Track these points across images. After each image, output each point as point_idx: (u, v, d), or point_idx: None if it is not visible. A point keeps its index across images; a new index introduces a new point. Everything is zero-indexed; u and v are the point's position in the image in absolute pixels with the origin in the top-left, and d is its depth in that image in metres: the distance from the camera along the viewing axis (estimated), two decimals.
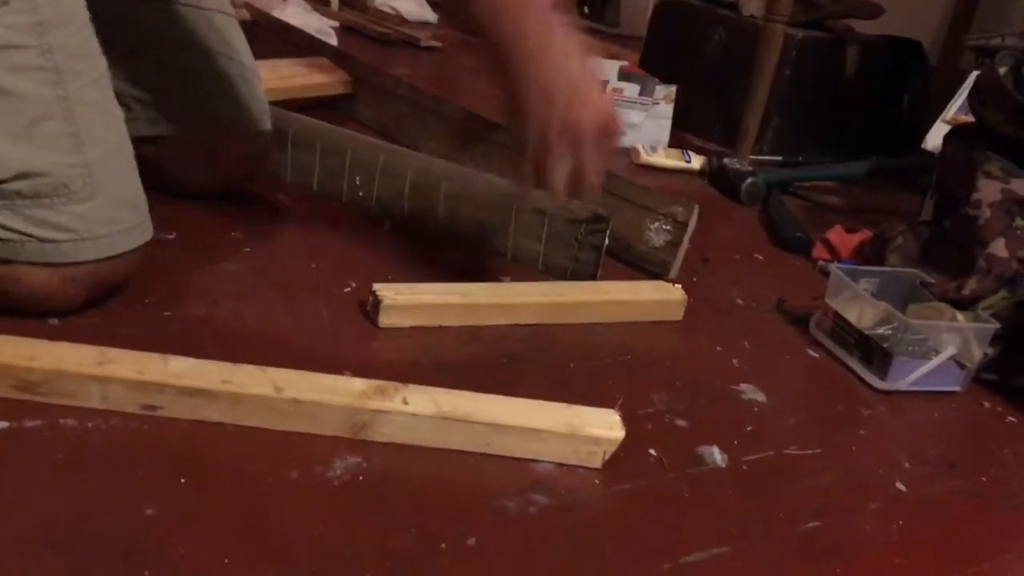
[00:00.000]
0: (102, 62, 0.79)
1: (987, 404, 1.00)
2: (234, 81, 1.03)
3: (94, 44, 0.78)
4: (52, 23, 0.73)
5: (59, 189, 0.73)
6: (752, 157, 1.69)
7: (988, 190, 1.08)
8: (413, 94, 1.49)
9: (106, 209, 0.77)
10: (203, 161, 1.06)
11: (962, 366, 0.99)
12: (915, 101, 1.89)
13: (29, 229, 0.73)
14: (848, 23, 1.87)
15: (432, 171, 1.14)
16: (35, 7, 0.72)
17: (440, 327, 0.93)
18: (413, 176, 1.14)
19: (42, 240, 0.74)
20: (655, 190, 1.20)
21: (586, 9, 3.00)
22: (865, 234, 1.30)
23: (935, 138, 1.54)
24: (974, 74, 1.37)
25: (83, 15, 0.77)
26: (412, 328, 0.92)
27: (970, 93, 1.22)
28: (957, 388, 1.00)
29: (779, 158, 1.76)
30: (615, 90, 1.67)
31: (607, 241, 1.08)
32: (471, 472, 0.72)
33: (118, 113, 0.81)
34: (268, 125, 1.08)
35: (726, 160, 1.59)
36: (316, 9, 2.34)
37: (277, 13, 1.97)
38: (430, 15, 2.63)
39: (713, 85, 1.80)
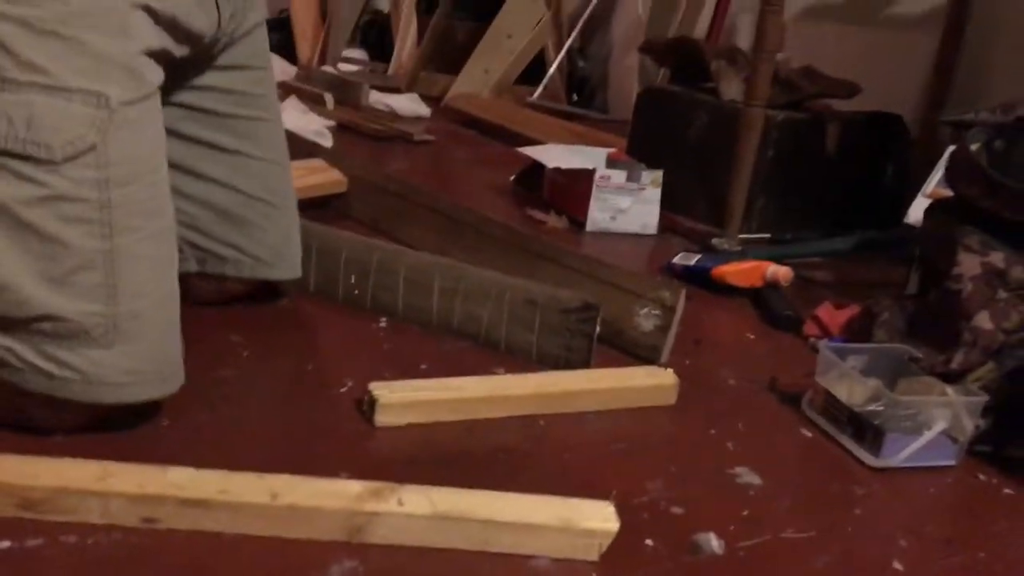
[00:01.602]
0: (167, 216, 0.80)
1: (982, 477, 1.01)
2: (272, 228, 1.07)
3: (161, 199, 0.79)
4: (119, 180, 0.73)
5: (79, 334, 0.75)
6: (741, 236, 1.72)
7: (968, 264, 1.11)
8: (404, 189, 1.53)
9: (125, 359, 0.77)
10: (216, 288, 1.09)
11: (954, 440, 1.00)
12: (898, 173, 1.93)
13: (42, 364, 0.75)
14: (826, 102, 1.92)
15: (425, 267, 1.17)
16: (106, 164, 0.72)
17: (436, 422, 0.95)
18: (407, 272, 1.17)
19: (51, 376, 0.75)
20: (642, 275, 1.22)
21: (575, 96, 3.08)
22: (853, 310, 1.32)
23: (917, 212, 1.57)
24: (951, 148, 1.41)
25: (157, 170, 0.78)
26: (408, 425, 0.93)
27: (946, 169, 1.25)
28: (951, 462, 1.01)
29: (767, 235, 1.79)
30: (603, 177, 1.71)
31: (598, 329, 1.10)
32: (469, 572, 0.73)
33: (171, 266, 0.81)
34: (299, 272, 1.12)
35: (714, 240, 1.62)
36: (312, 109, 2.41)
37: None
38: (423, 109, 2.71)
39: (698, 167, 1.84)
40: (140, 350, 0.77)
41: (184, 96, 0.96)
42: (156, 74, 0.79)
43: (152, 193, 0.77)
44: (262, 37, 1.02)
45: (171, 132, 0.91)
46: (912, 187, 1.77)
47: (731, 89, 1.81)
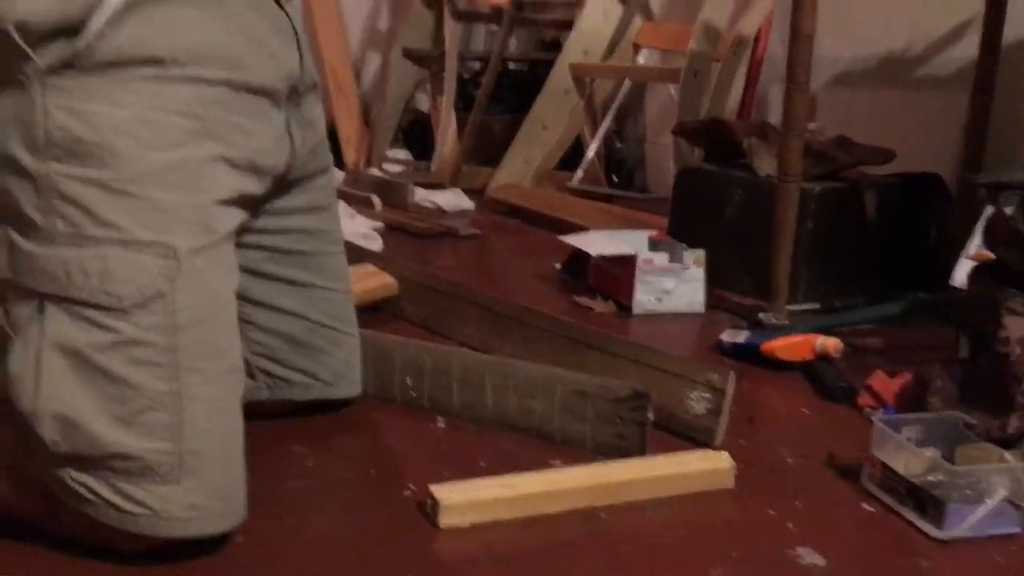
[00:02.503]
0: (232, 355, 0.84)
1: None
2: (338, 351, 1.13)
3: (227, 340, 0.83)
4: (184, 325, 0.78)
5: (147, 471, 0.79)
6: (788, 308, 1.73)
7: (1014, 327, 1.11)
8: (452, 288, 1.58)
9: (191, 495, 0.80)
10: (280, 406, 1.14)
11: (1017, 506, 0.99)
12: (940, 233, 1.93)
13: (113, 498, 0.79)
14: (862, 169, 1.94)
15: (476, 366, 1.21)
16: (173, 310, 0.77)
17: (497, 521, 0.97)
18: (459, 372, 1.21)
19: (121, 511, 0.80)
20: (690, 358, 1.24)
21: (614, 178, 3.14)
22: (906, 377, 1.32)
23: (961, 274, 1.57)
24: (989, 209, 1.42)
25: (223, 314, 0.82)
26: (471, 525, 0.96)
27: (983, 232, 1.26)
28: (1016, 529, 1.00)
29: (815, 306, 1.80)
30: (646, 260, 1.75)
31: (651, 416, 1.12)
32: None
33: (234, 403, 0.84)
34: (359, 389, 1.18)
35: (761, 315, 1.64)
36: (360, 212, 2.49)
37: None
38: (467, 203, 2.78)
39: (740, 243, 1.87)
40: (204, 486, 0.81)
41: (262, 239, 1.02)
42: (229, 221, 0.85)
43: (217, 335, 0.82)
44: (330, 178, 1.09)
45: (249, 271, 0.98)
46: (956, 246, 1.77)
47: (765, 165, 1.85)
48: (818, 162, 1.84)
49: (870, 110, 2.45)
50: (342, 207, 2.43)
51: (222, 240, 0.85)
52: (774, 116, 2.57)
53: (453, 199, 2.77)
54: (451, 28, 3.28)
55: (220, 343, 0.84)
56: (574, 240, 1.90)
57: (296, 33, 0.96)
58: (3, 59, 0.76)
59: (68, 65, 0.76)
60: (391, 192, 2.75)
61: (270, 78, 0.92)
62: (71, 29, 0.76)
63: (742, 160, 1.92)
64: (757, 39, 2.50)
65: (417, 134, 3.52)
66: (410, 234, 2.41)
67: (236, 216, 0.89)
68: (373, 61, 3.62)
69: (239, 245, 0.93)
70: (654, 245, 1.80)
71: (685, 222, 1.97)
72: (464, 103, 3.30)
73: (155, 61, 0.79)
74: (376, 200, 2.64)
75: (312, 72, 1.01)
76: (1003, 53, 1.98)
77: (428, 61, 3.41)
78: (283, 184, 1.03)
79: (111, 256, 0.76)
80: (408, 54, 3.37)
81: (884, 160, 1.90)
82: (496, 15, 3.26)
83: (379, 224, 2.43)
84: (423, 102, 3.59)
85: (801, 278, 1.78)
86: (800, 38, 1.53)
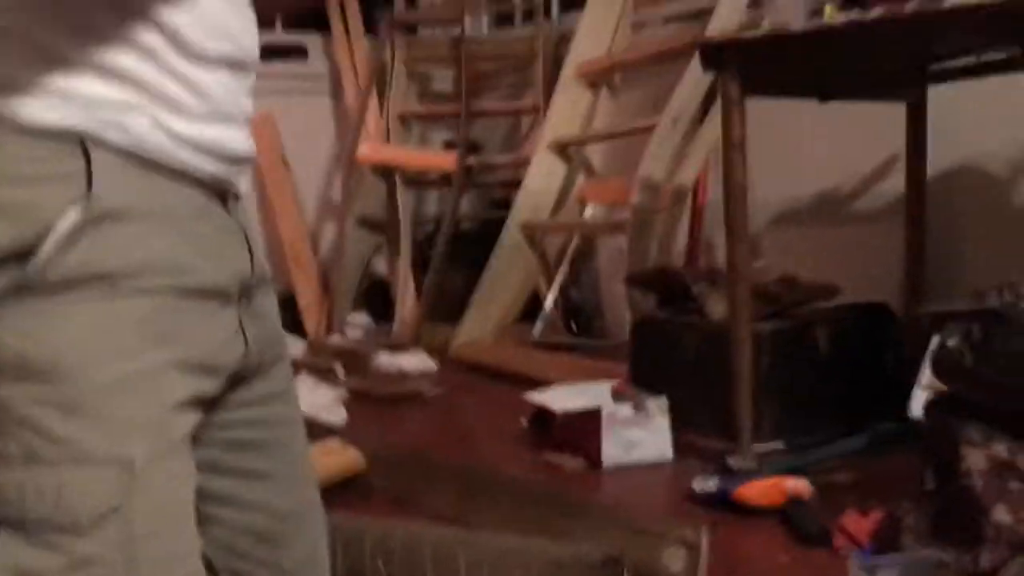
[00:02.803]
0: (193, 560, 0.82)
1: None
2: (304, 538, 1.10)
3: (187, 544, 0.82)
4: (142, 536, 0.76)
5: None
6: (756, 448, 1.74)
7: (974, 458, 1.13)
8: (420, 460, 1.58)
9: None
10: None
11: None
12: (896, 359, 1.97)
13: None
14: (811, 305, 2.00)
15: (449, 543, 1.19)
16: (131, 523, 0.75)
17: None
18: (431, 551, 1.19)
19: None
20: (662, 516, 1.24)
21: (574, 326, 3.19)
22: (878, 515, 1.33)
23: (918, 405, 1.60)
24: (935, 339, 1.46)
25: (182, 517, 0.81)
26: None
27: (932, 366, 1.30)
28: None
29: (781, 443, 1.81)
30: (610, 414, 1.76)
31: None
32: None
33: None
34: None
35: (730, 460, 1.64)
36: (323, 381, 2.49)
37: None
38: (430, 364, 2.80)
39: (702, 386, 1.89)
40: None
41: (219, 434, 1.01)
42: (184, 424, 0.84)
43: (176, 542, 0.81)
44: (286, 365, 1.09)
45: (208, 467, 0.97)
46: (910, 373, 1.81)
47: (717, 309, 1.89)
48: (767, 302, 1.89)
49: (812, 245, 2.54)
50: (304, 379, 2.44)
51: (178, 445, 0.84)
52: (722, 257, 2.66)
53: (416, 361, 2.79)
54: (403, 195, 3.38)
55: (180, 549, 0.82)
56: (539, 398, 1.91)
57: (244, 233, 0.98)
58: None
59: (17, 290, 0.77)
60: (353, 359, 2.76)
61: (220, 279, 0.93)
62: (20, 255, 0.78)
63: (694, 305, 1.97)
64: (696, 187, 2.60)
65: (376, 298, 3.56)
66: (375, 400, 2.41)
67: (191, 418, 0.89)
68: (329, 230, 3.70)
69: (196, 443, 0.93)
70: (618, 396, 1.81)
71: (645, 370, 2.00)
72: (421, 265, 3.36)
73: (105, 277, 0.80)
74: (339, 369, 2.65)
75: (263, 265, 1.03)
76: (929, 186, 2.09)
77: (383, 227, 3.50)
78: (238, 378, 1.03)
79: (66, 474, 0.75)
80: (363, 221, 3.46)
81: (830, 295, 1.96)
82: (446, 180, 3.38)
83: (343, 392, 2.43)
84: (381, 266, 3.66)
85: (764, 417, 1.80)
86: (733, 192, 1.61)
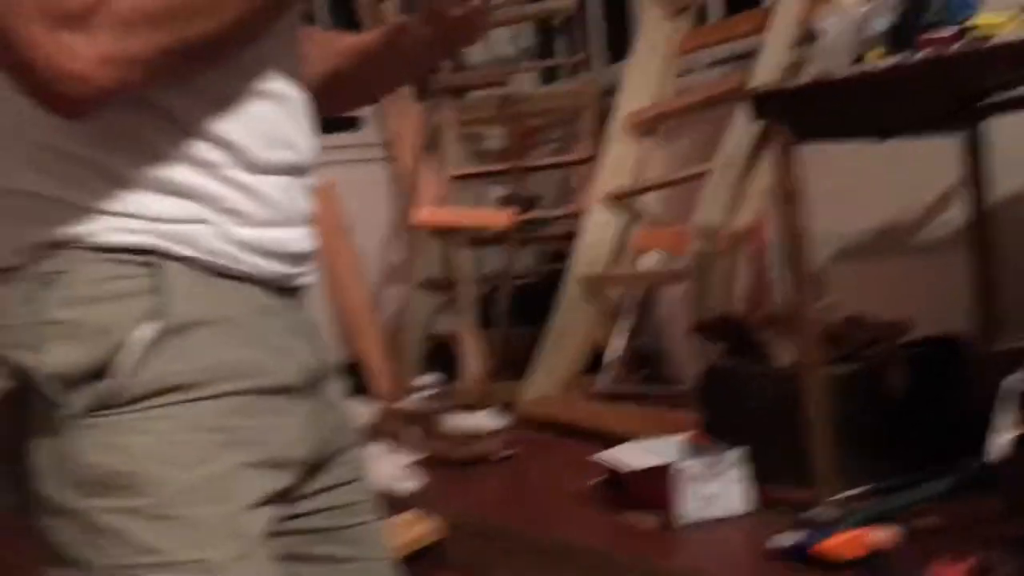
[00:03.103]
0: None
1: None
2: None
3: None
4: None
5: None
6: (835, 497, 1.71)
7: None
8: (495, 526, 1.58)
9: None
10: None
11: None
12: (971, 395, 1.92)
13: None
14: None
15: None
16: None
17: None
18: None
19: None
20: None
21: (640, 373, 3.17)
22: (969, 563, 1.29)
23: (997, 446, 1.55)
24: (1012, 378, 1.43)
25: None
26: None
27: (1021, 405, 1.26)
28: None
29: (862, 489, 1.77)
30: (684, 469, 1.74)
31: None
32: None
33: None
34: None
35: (810, 513, 1.61)
36: (396, 447, 2.51)
37: None
38: (499, 422, 2.79)
39: (775, 435, 1.86)
40: None
41: (296, 524, 1.03)
42: (261, 522, 0.86)
43: None
44: (357, 451, 1.11)
45: (288, 557, 0.98)
46: (985, 409, 1.75)
47: (785, 355, 1.87)
48: (836, 345, 1.86)
49: (877, 278, 2.49)
50: (376, 446, 2.46)
51: (256, 541, 0.86)
52: (784, 295, 2.62)
53: (485, 420, 2.79)
54: (461, 254, 3.42)
55: None
56: (610, 457, 1.90)
57: (309, 325, 1.00)
58: (37, 409, 0.80)
59: (98, 406, 0.80)
60: (423, 422, 2.78)
61: (289, 376, 0.96)
62: (99, 372, 0.81)
63: (761, 352, 1.94)
64: (756, 228, 2.58)
65: (442, 358, 3.59)
66: (447, 464, 2.42)
67: (268, 515, 0.90)
68: (391, 293, 3.75)
69: (275, 535, 0.94)
70: (691, 450, 1.79)
71: (716, 421, 1.98)
72: (484, 322, 3.39)
73: (180, 388, 0.83)
74: (409, 433, 2.67)
75: (329, 354, 1.05)
76: (1000, 214, 2.04)
77: (444, 287, 3.54)
78: (311, 468, 1.05)
79: None
80: (424, 283, 3.50)
81: (900, 334, 1.92)
82: (503, 236, 3.41)
83: (414, 458, 2.44)
84: (444, 326, 3.69)
85: (842, 464, 1.76)
86: (791, 240, 1.59)
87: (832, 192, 2.48)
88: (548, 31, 3.84)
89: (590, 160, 3.23)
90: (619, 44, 3.42)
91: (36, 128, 0.77)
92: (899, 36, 1.31)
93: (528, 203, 3.51)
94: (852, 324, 1.97)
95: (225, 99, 0.83)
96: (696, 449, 1.80)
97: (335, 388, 1.10)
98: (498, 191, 3.77)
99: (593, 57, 3.54)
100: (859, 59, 1.39)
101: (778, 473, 1.85)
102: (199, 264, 0.84)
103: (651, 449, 1.86)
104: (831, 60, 1.44)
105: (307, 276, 0.96)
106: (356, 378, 3.36)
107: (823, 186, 2.45)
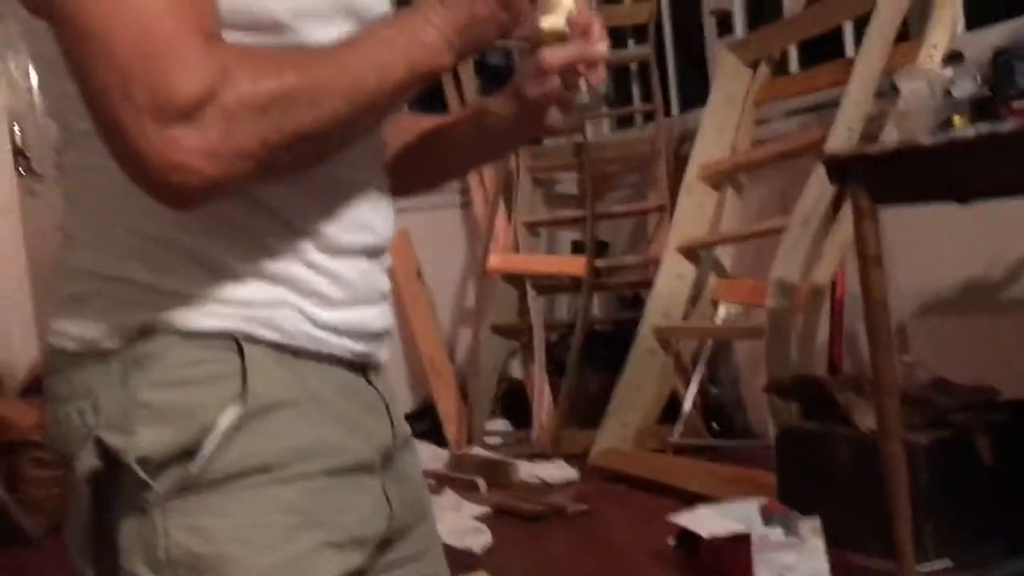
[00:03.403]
0: None
1: None
2: None
3: None
4: None
5: None
6: (920, 568, 1.65)
7: None
8: None
9: None
10: None
11: None
12: None
13: None
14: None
15: None
16: None
17: None
18: None
19: None
20: None
21: (715, 425, 3.11)
22: None
23: None
24: None
25: None
26: None
27: None
28: None
29: (948, 563, 1.70)
30: (761, 539, 1.70)
31: None
32: None
33: None
34: None
35: None
36: (466, 497, 2.51)
37: None
38: (571, 473, 2.78)
39: (855, 501, 1.81)
40: None
41: None
42: None
43: None
44: (430, 522, 1.11)
45: None
46: None
47: (866, 419, 1.82)
48: (920, 411, 1.80)
49: (961, 336, 2.42)
50: (448, 497, 2.46)
51: None
52: (865, 350, 2.55)
53: (557, 472, 2.78)
54: (534, 300, 3.43)
55: None
56: (685, 520, 1.87)
57: (385, 401, 1.01)
58: (125, 490, 0.82)
59: (184, 488, 0.82)
60: (495, 471, 2.77)
61: (366, 453, 0.96)
62: (185, 454, 0.82)
63: (841, 415, 1.90)
64: (835, 283, 2.53)
65: (513, 403, 3.59)
66: (518, 518, 2.41)
67: None
68: (464, 338, 3.77)
69: None
70: (768, 517, 1.75)
71: (794, 485, 1.93)
72: (556, 368, 3.38)
73: (262, 470, 0.84)
74: (481, 483, 2.67)
75: (404, 427, 1.06)
76: None
77: (516, 333, 3.54)
78: (385, 542, 1.05)
79: None
80: (497, 328, 3.51)
81: (987, 400, 1.85)
82: (575, 283, 3.40)
83: (486, 510, 2.43)
84: (516, 371, 3.69)
85: (926, 534, 1.71)
86: (873, 306, 1.56)
87: (915, 246, 2.42)
88: (624, 78, 3.85)
89: (663, 208, 3.22)
90: (695, 91, 3.41)
91: (135, 214, 0.79)
92: (984, 104, 1.28)
93: (601, 249, 3.51)
94: (937, 388, 1.91)
95: (311, 186, 0.84)
96: (773, 516, 1.76)
97: (409, 459, 1.11)
98: (571, 235, 3.78)
99: (668, 104, 3.53)
100: (942, 125, 1.36)
101: (859, 543, 1.79)
102: (282, 346, 0.86)
103: (727, 513, 1.82)
104: (913, 124, 1.41)
105: (384, 352, 0.97)
106: (428, 422, 3.37)
107: (905, 240, 2.39)
